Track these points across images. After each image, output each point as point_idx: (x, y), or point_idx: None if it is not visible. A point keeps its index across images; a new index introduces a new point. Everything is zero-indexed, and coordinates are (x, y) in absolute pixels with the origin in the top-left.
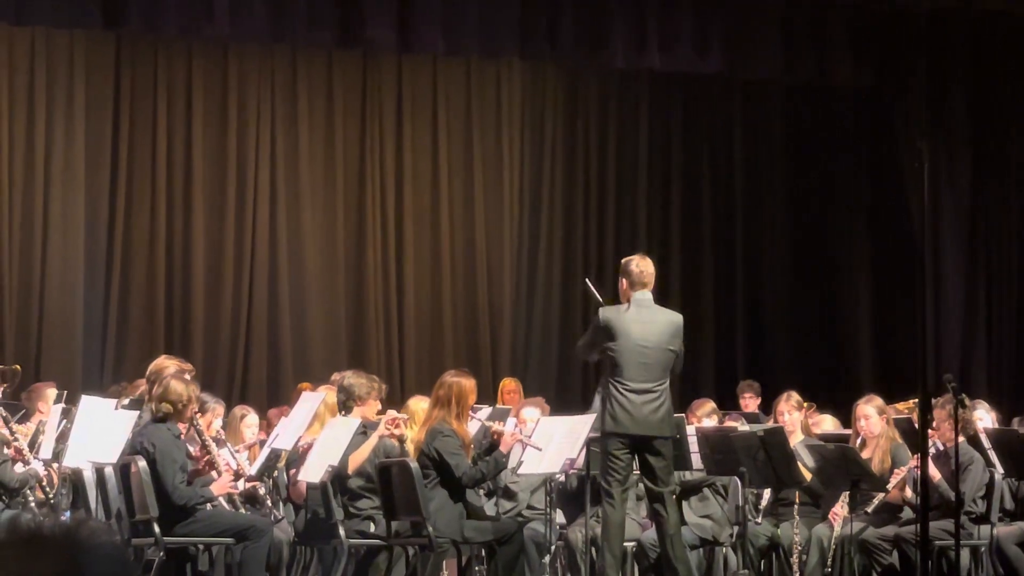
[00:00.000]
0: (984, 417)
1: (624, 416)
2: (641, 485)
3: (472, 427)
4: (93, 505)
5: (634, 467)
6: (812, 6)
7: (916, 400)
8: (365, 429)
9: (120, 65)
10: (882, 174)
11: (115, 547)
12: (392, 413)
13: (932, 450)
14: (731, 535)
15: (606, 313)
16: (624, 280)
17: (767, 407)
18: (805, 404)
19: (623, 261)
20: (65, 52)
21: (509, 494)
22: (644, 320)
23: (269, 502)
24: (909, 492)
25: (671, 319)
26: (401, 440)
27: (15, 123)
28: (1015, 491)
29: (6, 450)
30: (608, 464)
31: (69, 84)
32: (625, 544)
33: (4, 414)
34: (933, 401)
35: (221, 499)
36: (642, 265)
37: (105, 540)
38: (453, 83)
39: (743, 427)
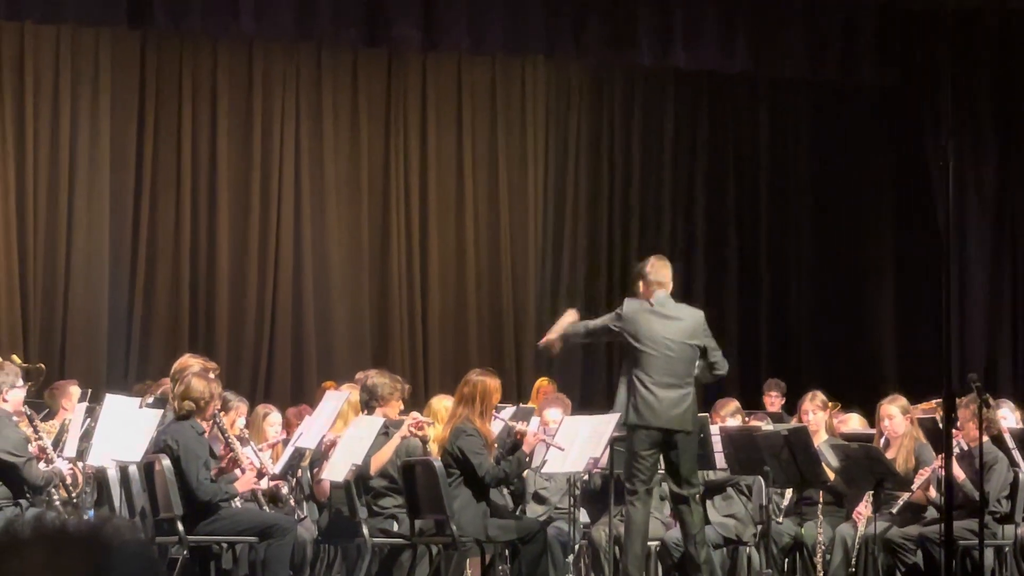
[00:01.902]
0: (1008, 416)
1: (647, 409)
2: (665, 485)
3: (495, 427)
4: (117, 504)
5: (659, 467)
6: (838, 5)
7: (940, 400)
8: (388, 429)
9: (145, 63)
10: (907, 173)
11: (141, 545)
12: (416, 415)
13: (956, 450)
14: (755, 534)
15: (631, 305)
16: (641, 283)
17: (791, 406)
18: (830, 404)
19: (639, 264)
20: (90, 51)
21: (540, 498)
22: (669, 316)
23: (292, 501)
24: (933, 492)
25: (694, 315)
26: (424, 441)
27: (40, 121)
28: None
29: (30, 448)
30: (633, 463)
31: (94, 83)
32: (649, 543)
33: (29, 412)
34: (957, 401)
35: (241, 498)
36: (657, 266)
37: (131, 538)
38: (478, 81)
39: (767, 426)
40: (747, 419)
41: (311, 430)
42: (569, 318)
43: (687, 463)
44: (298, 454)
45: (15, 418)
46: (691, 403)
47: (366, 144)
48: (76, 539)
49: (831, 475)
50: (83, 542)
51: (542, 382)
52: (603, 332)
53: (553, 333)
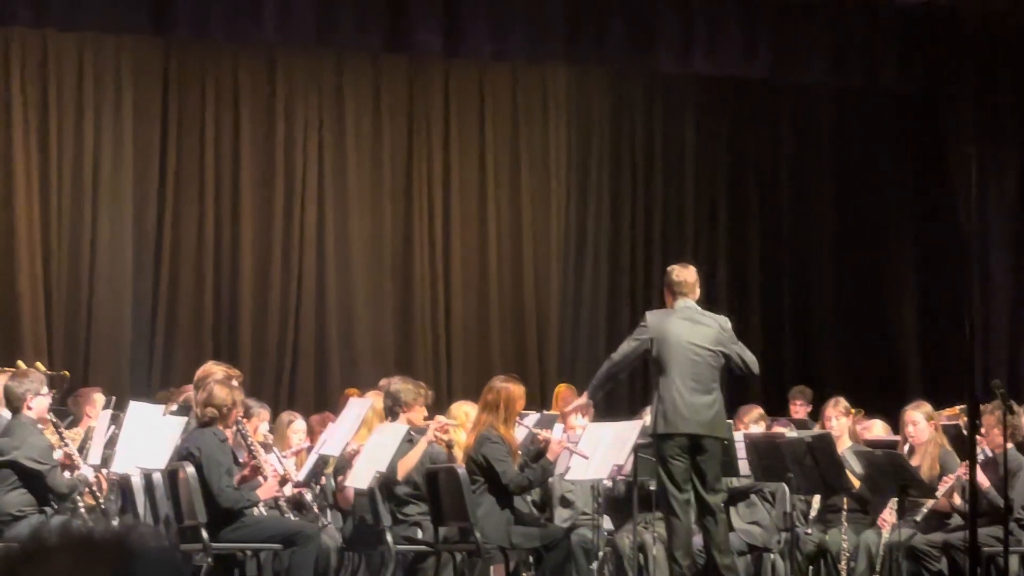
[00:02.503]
0: None
1: (676, 416)
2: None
3: (519, 434)
4: (141, 511)
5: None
6: (860, 10)
7: (964, 406)
8: (412, 436)
9: (168, 71)
10: (929, 178)
11: (166, 552)
12: (441, 419)
13: (980, 456)
14: (779, 541)
15: (652, 316)
16: (667, 290)
17: (816, 414)
18: (852, 410)
19: (667, 271)
20: (113, 58)
21: (566, 502)
22: (693, 321)
23: (316, 508)
24: (958, 499)
25: (719, 322)
26: (449, 446)
27: (63, 129)
28: None
29: (56, 456)
30: (667, 470)
31: (117, 90)
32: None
33: (54, 419)
34: (981, 407)
35: (264, 506)
36: (683, 274)
37: (156, 545)
38: (500, 88)
39: (790, 433)
40: (771, 425)
41: (335, 437)
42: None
43: (713, 469)
44: (322, 461)
45: (40, 425)
46: (720, 408)
47: (388, 151)
48: (102, 546)
49: (855, 482)
50: (109, 549)
51: (561, 388)
52: (633, 354)
53: (571, 407)
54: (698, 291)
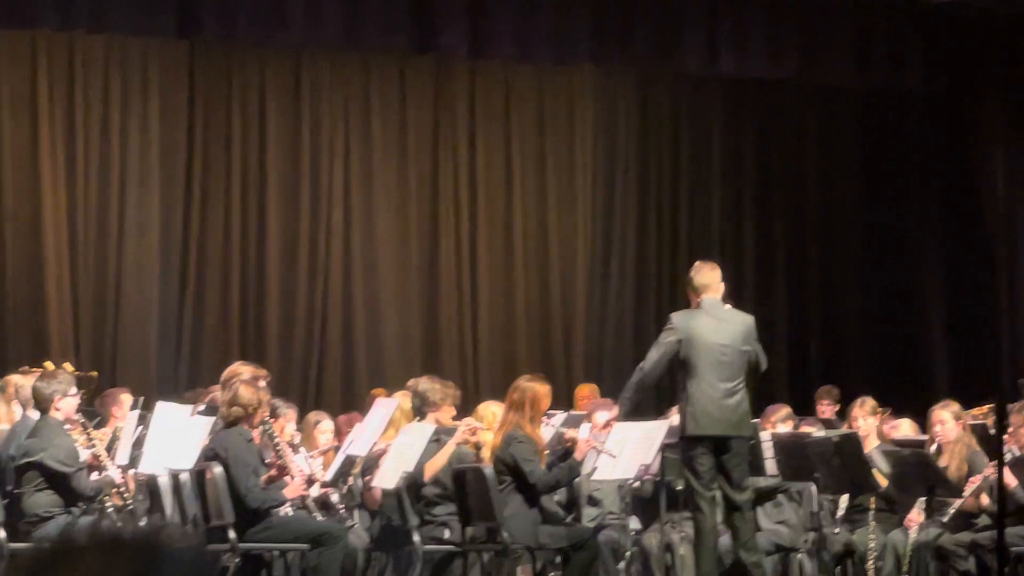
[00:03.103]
0: None
1: (706, 417)
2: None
3: (546, 433)
4: (169, 511)
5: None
6: (886, 11)
7: (992, 405)
8: (439, 436)
9: (194, 73)
10: (956, 179)
11: (195, 552)
12: (469, 420)
13: (1008, 456)
14: (806, 541)
15: (677, 317)
16: (690, 289)
17: (844, 413)
18: (880, 410)
19: (691, 269)
20: (139, 61)
21: (593, 501)
22: (719, 320)
23: (342, 509)
24: (985, 499)
25: (744, 319)
26: (477, 447)
27: (90, 131)
28: None
29: (83, 457)
30: (693, 469)
31: (143, 92)
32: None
33: (82, 420)
34: (1009, 407)
35: (291, 506)
36: (704, 270)
37: (185, 545)
38: (525, 89)
39: (818, 433)
40: (798, 425)
41: (362, 437)
42: None
43: (740, 467)
44: (349, 461)
45: (67, 426)
46: (746, 407)
47: (414, 152)
48: (131, 546)
49: (883, 481)
50: (138, 549)
51: (582, 388)
52: (663, 360)
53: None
54: (722, 288)
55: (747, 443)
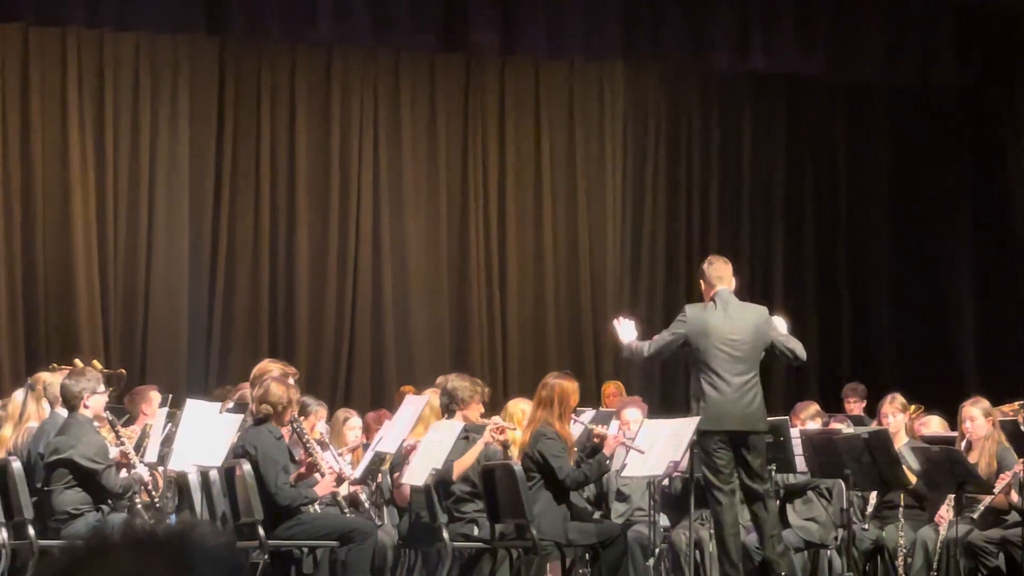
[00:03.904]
0: None
1: (719, 412)
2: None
3: (575, 430)
4: (198, 508)
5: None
6: (916, 6)
7: (1021, 402)
8: (468, 434)
9: (224, 70)
10: (986, 175)
11: (227, 549)
12: (497, 420)
13: None
14: (836, 538)
15: (693, 308)
16: (702, 282)
17: (871, 409)
18: (910, 406)
19: (704, 263)
20: (169, 57)
21: (622, 496)
22: (731, 314)
23: (368, 505)
24: (1015, 496)
25: (758, 312)
26: (505, 446)
27: (120, 128)
28: None
29: (112, 454)
30: (711, 463)
31: (173, 89)
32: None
33: (111, 418)
34: None
35: (321, 503)
36: (719, 263)
37: (217, 543)
38: (556, 86)
39: (847, 429)
40: (827, 422)
41: (391, 434)
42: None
43: (758, 460)
44: (378, 458)
45: (96, 424)
46: (760, 402)
47: (444, 149)
48: (164, 543)
49: (912, 478)
50: (171, 546)
51: (609, 386)
52: (668, 349)
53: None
54: (733, 282)
55: (764, 438)
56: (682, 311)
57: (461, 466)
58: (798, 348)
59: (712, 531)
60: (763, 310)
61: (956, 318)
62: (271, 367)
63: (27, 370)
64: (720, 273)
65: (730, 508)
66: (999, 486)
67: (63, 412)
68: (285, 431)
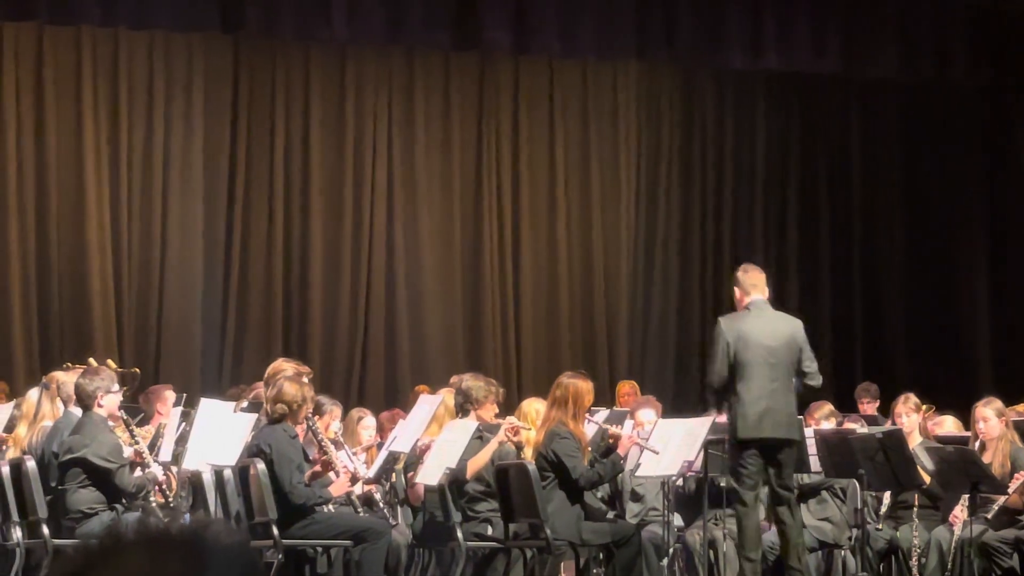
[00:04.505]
0: None
1: (757, 421)
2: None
3: (589, 430)
4: (212, 507)
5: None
6: (930, 5)
7: None
8: (482, 434)
9: (238, 69)
10: (1000, 173)
11: (242, 548)
12: (511, 419)
13: None
14: (850, 538)
15: (726, 321)
16: (737, 290)
17: (884, 409)
18: (923, 406)
19: (738, 270)
20: (183, 56)
21: (636, 496)
22: (766, 322)
23: (382, 505)
24: None
25: (793, 323)
26: (519, 447)
27: (134, 127)
28: None
29: (126, 454)
30: (739, 469)
31: (187, 88)
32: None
33: (125, 417)
34: None
35: (335, 502)
36: (753, 271)
37: (232, 541)
38: (569, 85)
39: (862, 429)
40: (842, 422)
41: (405, 434)
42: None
43: (788, 466)
44: (392, 458)
45: (110, 423)
46: (794, 409)
47: (458, 148)
48: (178, 542)
49: (926, 478)
50: (185, 545)
51: (623, 385)
52: (724, 358)
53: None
54: (767, 291)
55: (795, 449)
56: (716, 324)
57: (475, 465)
58: (816, 376)
59: (726, 531)
60: (798, 322)
61: (970, 318)
62: (285, 366)
63: (41, 369)
64: (755, 281)
65: (754, 513)
66: (1013, 486)
67: (77, 411)
68: (299, 430)
